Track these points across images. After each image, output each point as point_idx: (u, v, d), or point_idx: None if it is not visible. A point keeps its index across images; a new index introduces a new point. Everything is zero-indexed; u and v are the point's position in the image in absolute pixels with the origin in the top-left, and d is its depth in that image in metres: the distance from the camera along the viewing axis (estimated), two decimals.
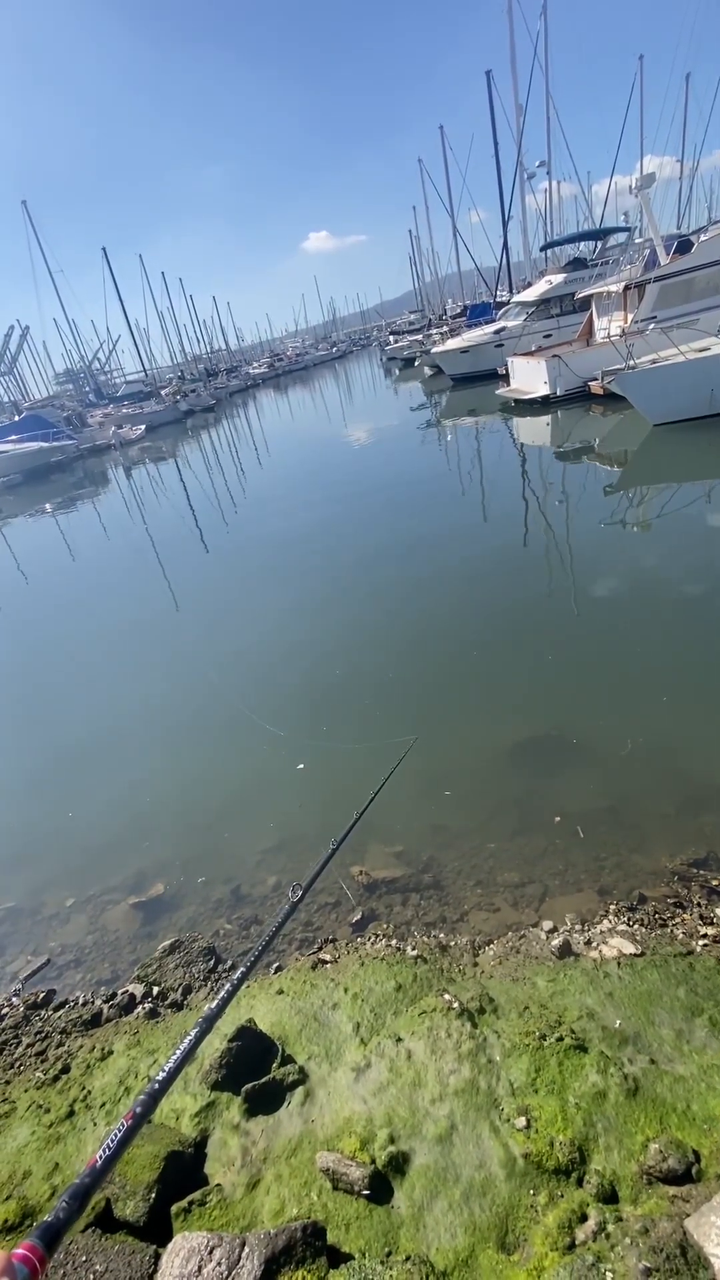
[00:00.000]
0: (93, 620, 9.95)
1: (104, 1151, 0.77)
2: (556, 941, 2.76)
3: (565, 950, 2.72)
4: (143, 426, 38.50)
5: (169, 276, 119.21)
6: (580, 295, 19.84)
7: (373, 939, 3.17)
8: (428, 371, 30.96)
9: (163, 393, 46.79)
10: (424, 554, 9.36)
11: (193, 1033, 1.04)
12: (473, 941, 3.02)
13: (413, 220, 50.17)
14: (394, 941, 3.09)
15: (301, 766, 4.88)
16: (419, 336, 40.80)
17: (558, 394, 16.30)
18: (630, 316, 16.10)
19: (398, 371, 39.48)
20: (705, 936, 2.83)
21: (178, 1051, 0.98)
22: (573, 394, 16.10)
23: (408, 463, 16.29)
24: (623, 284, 16.66)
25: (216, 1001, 1.12)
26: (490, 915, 3.35)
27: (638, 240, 21.36)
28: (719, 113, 38.06)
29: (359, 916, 3.44)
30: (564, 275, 22.42)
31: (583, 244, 25.75)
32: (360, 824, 1.97)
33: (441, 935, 3.13)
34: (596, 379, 14.18)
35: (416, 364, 35.12)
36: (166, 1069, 0.92)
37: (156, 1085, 0.90)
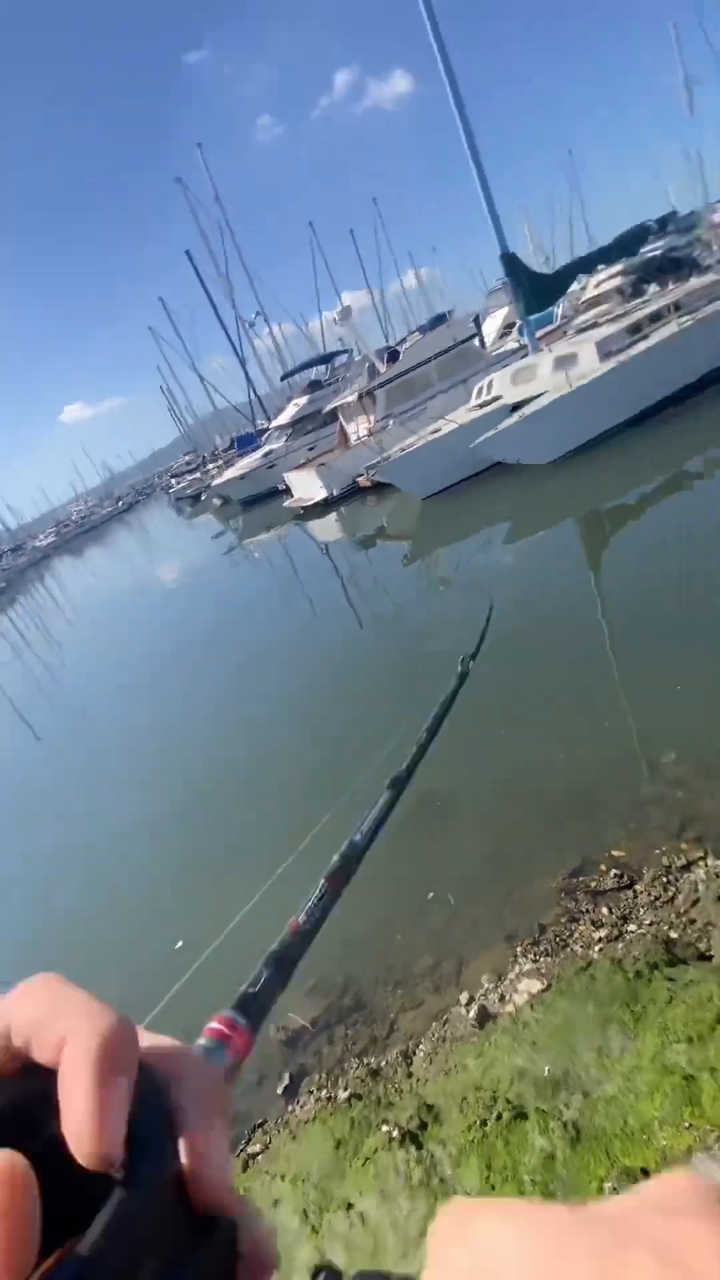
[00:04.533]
0: None
1: (305, 916, 0.61)
2: (474, 1013, 2.72)
3: (484, 1017, 2.68)
4: None
5: None
6: (327, 410, 22.46)
7: (305, 1099, 2.87)
8: (217, 502, 32.44)
9: None
10: (264, 669, 9.44)
11: (389, 794, 0.85)
12: (404, 1051, 2.87)
13: (161, 378, 53.83)
14: (325, 1092, 2.83)
15: (180, 945, 4.42)
16: (198, 474, 42.92)
17: (335, 494, 17.92)
18: (372, 419, 18.49)
19: (189, 509, 40.86)
20: (599, 940, 2.97)
21: (374, 813, 0.85)
22: (347, 491, 17.81)
23: (226, 587, 16.67)
24: (356, 394, 19.21)
25: (406, 765, 0.99)
26: (416, 1013, 3.22)
27: (357, 358, 24.91)
28: (384, 255, 47.17)
29: (287, 1081, 3.11)
30: (307, 397, 25.31)
31: (315, 369, 29.44)
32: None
33: (373, 1059, 2.93)
34: (362, 474, 15.88)
35: (203, 499, 36.68)
36: (364, 828, 0.79)
37: (358, 840, 0.76)
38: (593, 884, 3.54)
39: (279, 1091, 3.06)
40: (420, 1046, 2.81)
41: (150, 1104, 0.23)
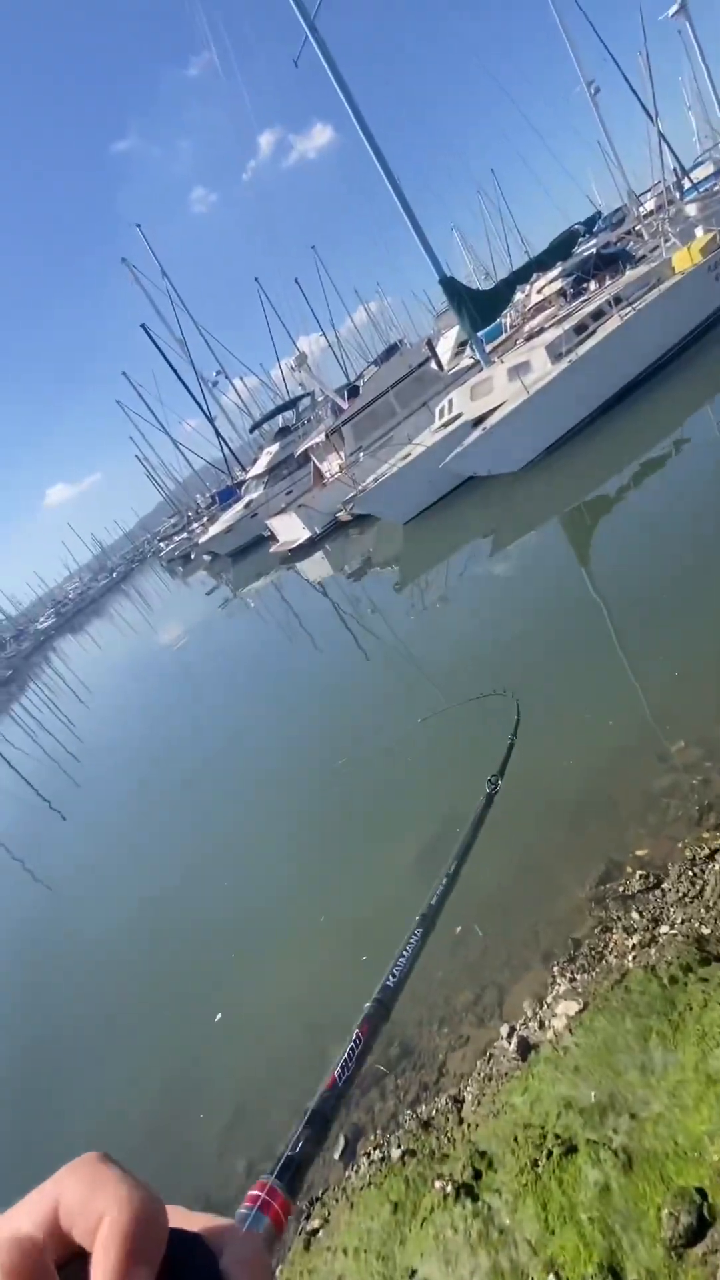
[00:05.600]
0: None
1: (341, 1070, 0.60)
2: (514, 1045, 2.66)
3: (524, 1047, 2.61)
4: None
5: None
6: (299, 453, 22.90)
7: (360, 1163, 2.78)
8: (207, 559, 32.88)
9: None
10: (280, 714, 9.46)
11: (418, 932, 0.86)
12: (454, 1096, 2.79)
13: (135, 448, 55.15)
14: (379, 1151, 2.75)
15: (219, 1017, 4.35)
16: (184, 534, 43.58)
17: (318, 533, 18.16)
18: (343, 454, 18.82)
19: (181, 569, 41.40)
20: (633, 948, 2.91)
21: (406, 952, 0.81)
22: (329, 528, 18.04)
23: (230, 638, 16.81)
24: (324, 434, 19.61)
25: (434, 897, 0.96)
26: (463, 1051, 3.14)
27: (320, 399, 25.50)
28: (331, 297, 48.74)
29: (343, 1145, 3.02)
30: (278, 444, 25.84)
31: (281, 416, 30.12)
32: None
33: (424, 1109, 2.85)
34: (341, 510, 16.12)
35: (193, 557, 37.18)
36: (397, 971, 0.76)
37: (390, 985, 0.74)
38: (620, 888, 3.48)
39: (336, 1157, 2.97)
40: (468, 1088, 2.74)
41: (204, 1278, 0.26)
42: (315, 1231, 2.52)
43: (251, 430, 32.16)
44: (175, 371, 36.62)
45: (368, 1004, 0.69)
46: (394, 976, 0.75)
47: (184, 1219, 0.30)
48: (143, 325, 37.23)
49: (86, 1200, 0.24)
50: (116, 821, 9.58)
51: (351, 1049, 0.63)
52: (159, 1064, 4.41)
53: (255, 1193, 0.42)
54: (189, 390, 36.70)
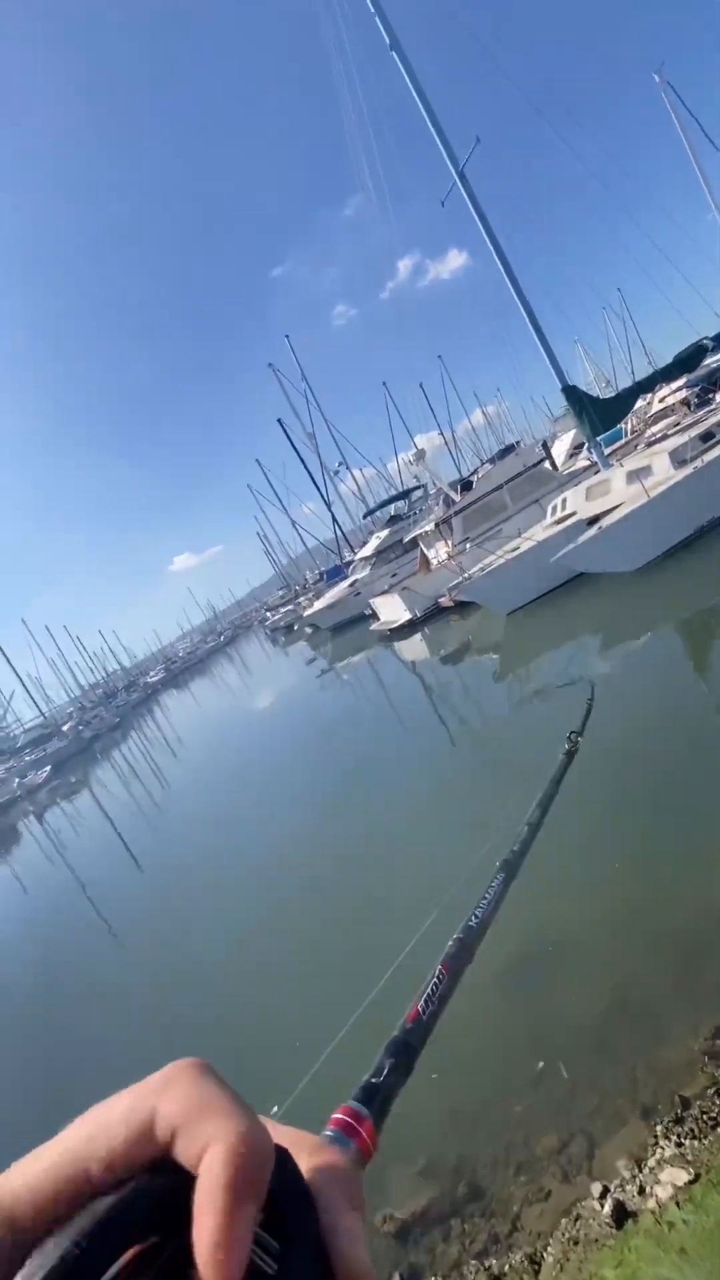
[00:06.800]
0: (25, 997, 8.61)
1: (424, 1003, 0.58)
2: (608, 1209, 2.32)
3: (620, 1214, 2.27)
4: (48, 768, 38.06)
5: (53, 628, 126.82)
6: (408, 539, 23.80)
7: None
8: (309, 631, 34.19)
9: (64, 729, 47.46)
10: (361, 793, 9.40)
11: (500, 876, 0.85)
12: (530, 1255, 2.45)
13: (257, 525, 59.89)
14: None
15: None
16: (291, 606, 45.78)
17: (418, 615, 18.47)
18: (450, 543, 19.34)
19: (283, 639, 43.21)
20: None
21: (488, 896, 0.80)
22: (429, 612, 18.32)
23: (320, 710, 17.11)
24: (434, 523, 20.34)
25: (518, 844, 0.95)
26: (542, 1206, 2.77)
27: (432, 491, 26.64)
28: (451, 400, 51.82)
29: None
30: (388, 530, 27.07)
31: (394, 505, 31.67)
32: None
33: (494, 1263, 2.52)
34: (444, 596, 16.38)
35: (295, 629, 38.78)
36: (479, 914, 0.75)
37: (473, 926, 0.72)
38: None
39: None
40: (549, 1249, 2.40)
41: (298, 1199, 0.24)
42: None
43: (365, 516, 33.97)
44: (303, 461, 39.90)
45: (450, 943, 0.69)
46: (476, 918, 0.75)
47: (270, 1131, 0.28)
48: (279, 420, 41.25)
49: (190, 1120, 0.23)
50: (186, 870, 9.69)
51: (434, 985, 0.62)
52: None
53: (341, 1117, 0.39)
54: (312, 478, 39.71)
